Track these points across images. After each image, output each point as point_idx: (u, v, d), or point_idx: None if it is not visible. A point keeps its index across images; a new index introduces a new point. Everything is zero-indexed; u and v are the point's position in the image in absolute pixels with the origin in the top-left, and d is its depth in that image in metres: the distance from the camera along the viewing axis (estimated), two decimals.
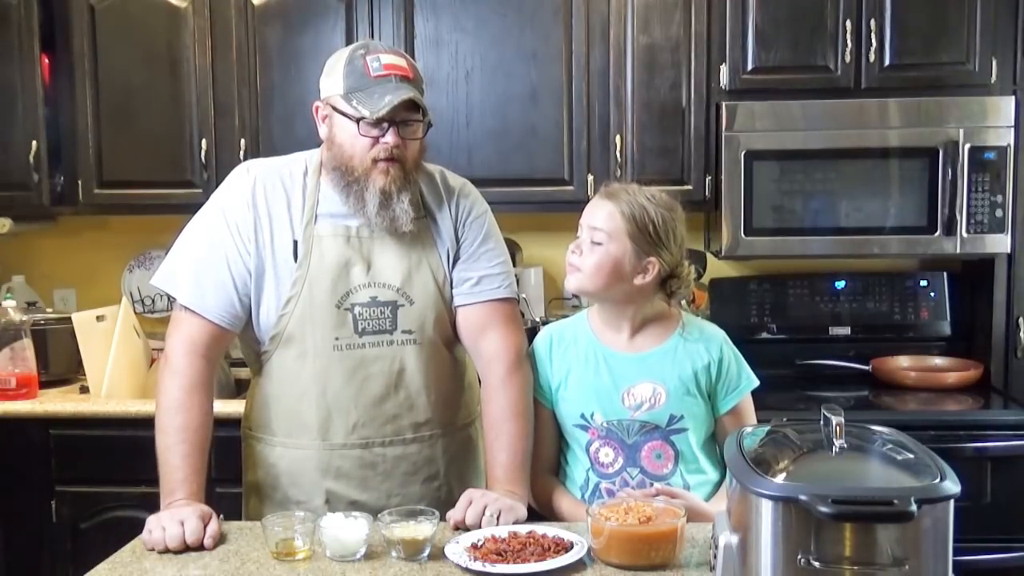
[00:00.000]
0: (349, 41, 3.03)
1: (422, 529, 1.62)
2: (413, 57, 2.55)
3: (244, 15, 3.09)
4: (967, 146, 2.86)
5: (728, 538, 1.36)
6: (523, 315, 2.60)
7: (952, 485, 1.27)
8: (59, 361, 3.10)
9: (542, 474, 1.97)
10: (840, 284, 3.26)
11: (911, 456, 1.36)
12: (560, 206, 3.09)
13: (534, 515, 1.91)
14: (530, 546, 1.61)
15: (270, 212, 1.91)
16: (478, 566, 1.56)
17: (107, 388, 2.90)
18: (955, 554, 1.28)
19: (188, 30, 3.10)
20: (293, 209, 1.91)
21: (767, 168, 2.92)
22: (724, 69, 2.96)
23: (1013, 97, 2.88)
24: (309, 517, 1.68)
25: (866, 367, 3.13)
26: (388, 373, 1.90)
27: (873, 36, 2.89)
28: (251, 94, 3.11)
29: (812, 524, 1.25)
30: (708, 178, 3.01)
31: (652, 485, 1.86)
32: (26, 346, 2.93)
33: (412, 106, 1.84)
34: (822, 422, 1.39)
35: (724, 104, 2.92)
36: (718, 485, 1.91)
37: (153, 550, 1.67)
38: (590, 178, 3.04)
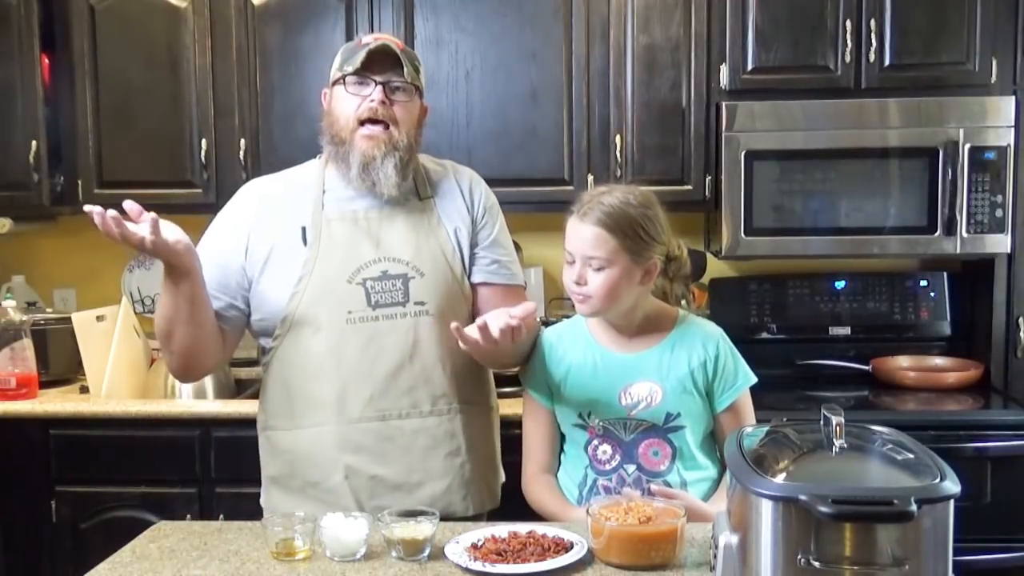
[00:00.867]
0: (349, 41, 3.03)
1: (422, 529, 1.62)
2: None
3: (244, 15, 3.09)
4: (967, 146, 2.86)
5: (728, 538, 1.36)
6: None
7: (952, 485, 1.27)
8: (59, 361, 3.11)
9: (539, 473, 1.97)
10: (840, 284, 3.26)
11: (911, 456, 1.36)
12: (560, 206, 3.02)
13: (535, 515, 1.92)
14: (530, 546, 1.61)
15: (272, 213, 1.96)
16: (478, 566, 1.56)
17: (107, 388, 2.90)
18: (955, 554, 1.28)
19: (188, 30, 3.10)
20: (300, 202, 1.96)
21: (767, 168, 2.92)
22: (724, 69, 2.96)
23: (1013, 97, 2.88)
24: (309, 517, 1.68)
25: (866, 367, 3.13)
26: (403, 344, 1.91)
27: (873, 36, 2.89)
28: (251, 94, 3.11)
29: (812, 524, 1.25)
30: (708, 178, 3.02)
31: (648, 482, 1.87)
32: (26, 346, 2.93)
33: (396, 66, 1.89)
34: (822, 422, 1.39)
35: (724, 104, 2.92)
36: (717, 482, 1.91)
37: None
38: (590, 178, 3.04)
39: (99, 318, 3.01)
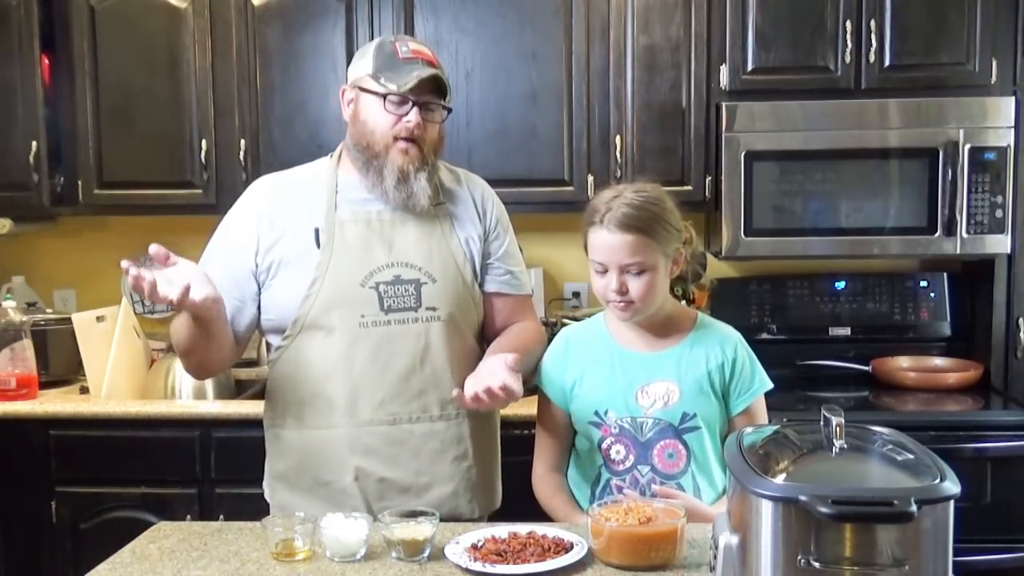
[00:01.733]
0: (349, 41, 3.05)
1: (422, 529, 1.62)
2: None
3: (244, 15, 3.09)
4: (967, 146, 2.86)
5: (728, 538, 1.36)
6: None
7: (952, 486, 1.26)
8: (59, 362, 3.11)
9: (548, 472, 1.99)
10: (840, 284, 3.26)
11: (911, 456, 1.36)
12: (560, 207, 3.09)
13: (539, 513, 1.92)
14: (530, 546, 1.61)
15: (283, 212, 1.95)
16: (478, 566, 1.56)
17: (107, 388, 2.90)
18: (955, 554, 1.28)
19: (188, 30, 3.10)
20: (312, 203, 1.95)
21: (767, 169, 2.93)
22: (724, 69, 2.96)
23: (1013, 97, 2.88)
24: (309, 517, 1.68)
25: (866, 367, 3.13)
26: (414, 349, 1.92)
27: (873, 36, 2.89)
28: (251, 94, 3.11)
29: (812, 525, 1.25)
30: (708, 179, 3.02)
31: (663, 484, 1.87)
32: (26, 346, 2.93)
33: (435, 90, 1.91)
34: (822, 423, 1.39)
35: (724, 105, 2.92)
36: None
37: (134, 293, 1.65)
38: (590, 179, 3.04)
39: (99, 318, 3.01)
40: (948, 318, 3.23)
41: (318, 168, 2.03)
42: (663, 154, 3.03)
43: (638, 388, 1.90)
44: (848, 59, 2.91)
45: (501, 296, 2.05)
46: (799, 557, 1.26)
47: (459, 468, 1.97)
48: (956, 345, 3.21)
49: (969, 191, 2.87)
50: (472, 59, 3.05)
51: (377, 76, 1.89)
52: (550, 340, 2.07)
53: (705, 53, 2.99)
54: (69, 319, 2.97)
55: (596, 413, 1.92)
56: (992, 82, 2.89)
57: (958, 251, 2.91)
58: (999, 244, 2.90)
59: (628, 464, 1.90)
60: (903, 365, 3.13)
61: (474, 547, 1.63)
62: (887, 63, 2.91)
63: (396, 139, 1.89)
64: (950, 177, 2.86)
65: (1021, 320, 2.96)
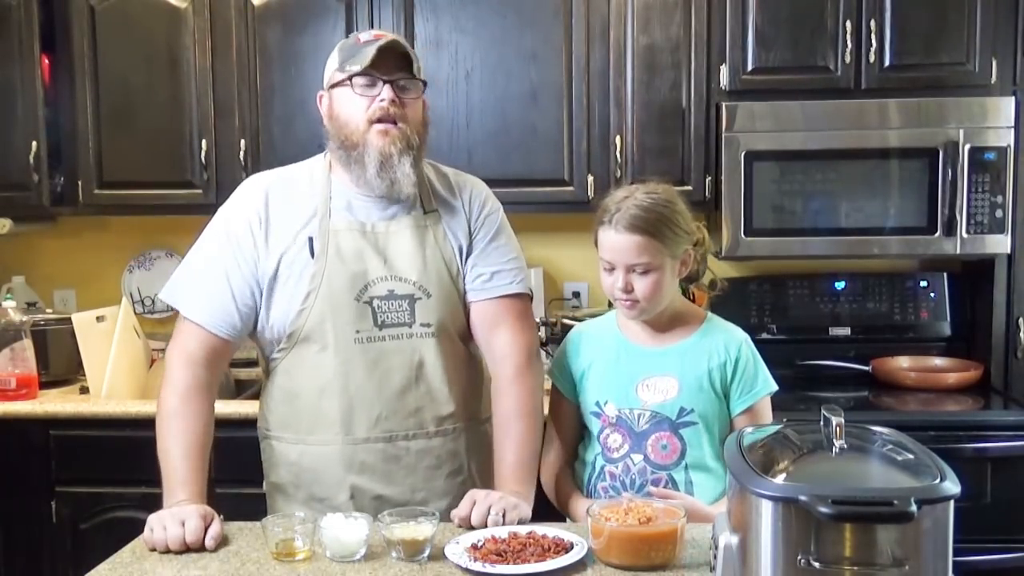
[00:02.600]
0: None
1: (422, 529, 1.62)
2: None
3: (244, 15, 3.09)
4: (967, 146, 2.86)
5: (728, 538, 1.36)
6: None
7: (952, 486, 1.26)
8: (59, 362, 3.11)
9: (555, 462, 2.02)
10: (840, 284, 3.26)
11: (911, 456, 1.36)
12: (560, 207, 3.09)
13: (540, 514, 1.92)
14: (530, 546, 1.61)
15: (280, 217, 1.92)
16: (478, 567, 1.56)
17: (107, 389, 2.90)
18: (955, 554, 1.28)
19: (188, 30, 3.11)
20: (305, 209, 1.92)
21: (767, 169, 2.93)
22: (724, 69, 2.96)
23: (1013, 97, 2.88)
24: (309, 518, 1.68)
25: (866, 367, 3.13)
26: (408, 365, 1.91)
27: (873, 36, 2.89)
28: (251, 94, 3.11)
29: (812, 524, 1.25)
30: (708, 179, 3.02)
31: (653, 474, 1.89)
32: (26, 347, 2.93)
33: (404, 67, 1.86)
34: (822, 423, 1.39)
35: (724, 104, 2.92)
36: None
37: (154, 550, 1.67)
38: (590, 179, 3.04)
39: (99, 319, 3.01)
40: (948, 318, 3.23)
41: (309, 169, 1.98)
42: (663, 154, 3.03)
43: (640, 381, 1.92)
44: (848, 59, 2.91)
45: (477, 303, 1.97)
46: (799, 557, 1.26)
47: (454, 483, 1.97)
48: (956, 345, 3.21)
49: (969, 191, 2.87)
50: (472, 59, 3.06)
51: (342, 67, 1.87)
52: (556, 340, 2.09)
53: (705, 53, 2.99)
54: (69, 319, 2.97)
55: (596, 403, 1.95)
56: (992, 82, 2.89)
57: (958, 251, 2.91)
58: (999, 244, 2.90)
59: (622, 452, 1.92)
60: (903, 365, 3.13)
61: (474, 547, 1.63)
62: (887, 63, 2.91)
63: (371, 123, 1.85)
64: (950, 177, 2.86)
65: (1021, 320, 2.96)
